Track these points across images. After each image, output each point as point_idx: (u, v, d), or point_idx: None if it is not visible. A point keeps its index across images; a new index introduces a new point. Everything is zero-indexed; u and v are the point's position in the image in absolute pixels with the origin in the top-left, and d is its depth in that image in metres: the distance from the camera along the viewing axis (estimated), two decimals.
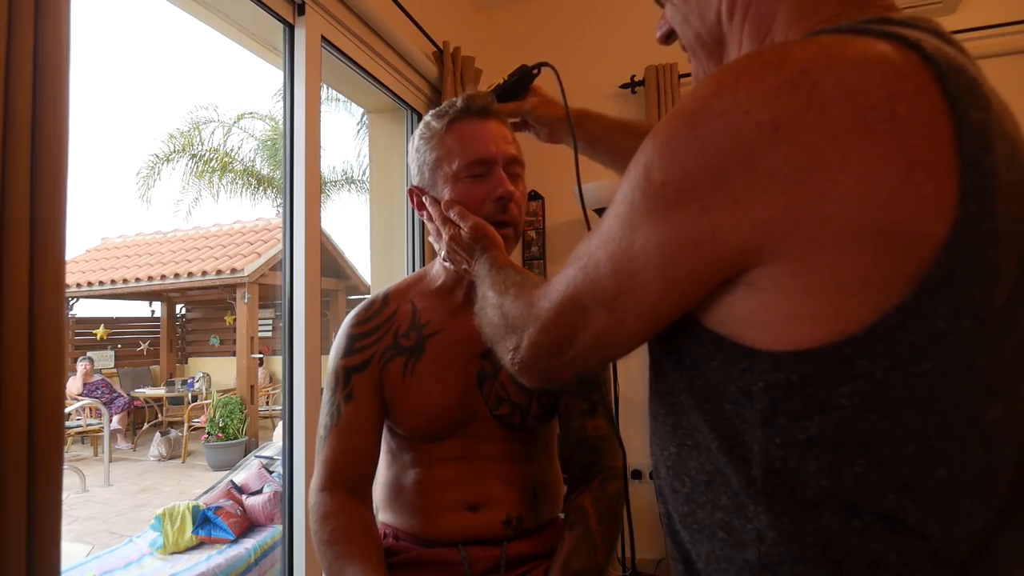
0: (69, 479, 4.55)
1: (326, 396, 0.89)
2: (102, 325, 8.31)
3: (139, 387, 7.58)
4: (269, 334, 8.67)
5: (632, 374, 2.22)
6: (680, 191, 0.40)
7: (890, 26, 0.40)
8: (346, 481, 0.85)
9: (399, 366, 0.88)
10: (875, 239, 0.36)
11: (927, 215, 0.35)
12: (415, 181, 0.90)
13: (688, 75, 2.25)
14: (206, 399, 6.76)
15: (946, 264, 0.35)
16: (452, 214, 0.82)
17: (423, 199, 0.88)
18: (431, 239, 0.88)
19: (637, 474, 2.21)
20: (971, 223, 0.35)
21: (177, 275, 7.31)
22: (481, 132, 0.85)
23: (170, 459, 6.23)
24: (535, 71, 0.91)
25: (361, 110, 6.94)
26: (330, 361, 0.91)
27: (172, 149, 8.22)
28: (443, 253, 0.85)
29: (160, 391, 7.35)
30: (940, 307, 0.36)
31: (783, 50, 0.40)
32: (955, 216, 0.35)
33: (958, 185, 0.35)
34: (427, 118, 0.88)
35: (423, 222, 2.08)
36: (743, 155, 0.37)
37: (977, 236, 0.36)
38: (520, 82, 0.91)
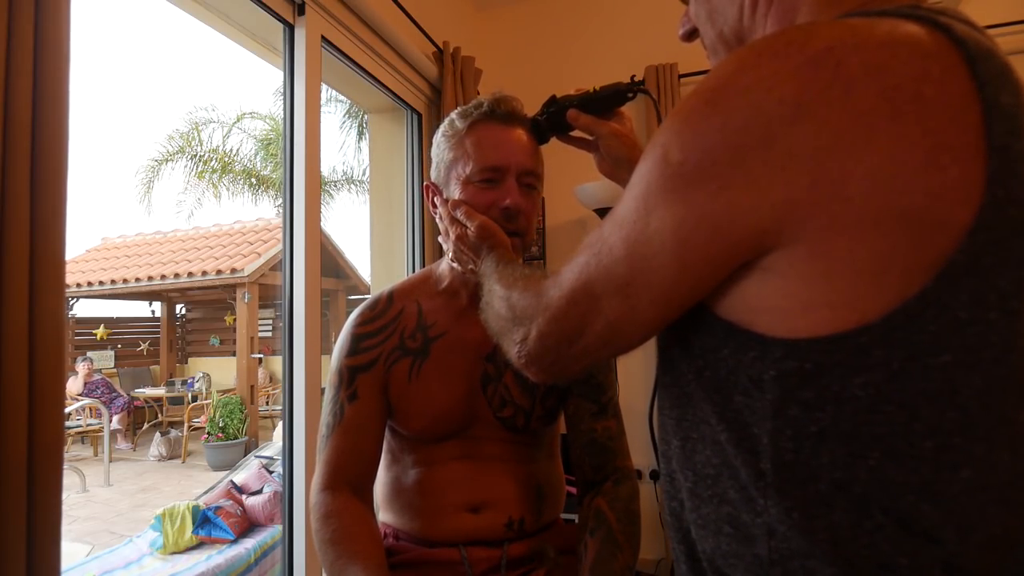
0: (69, 479, 4.56)
1: (328, 395, 0.89)
2: (102, 325, 8.31)
3: (139, 387, 7.57)
4: (269, 334, 8.67)
5: (632, 374, 2.22)
6: (699, 170, 0.39)
7: (919, 11, 0.39)
8: (348, 481, 0.85)
9: (405, 368, 0.87)
10: (897, 223, 0.34)
11: (951, 199, 0.34)
12: (432, 176, 0.90)
13: (688, 75, 2.25)
14: (206, 399, 6.75)
15: (969, 251, 0.34)
16: (459, 214, 0.81)
17: (435, 198, 0.88)
18: (440, 239, 0.88)
19: (637, 473, 2.20)
20: (998, 209, 0.34)
21: (177, 275, 7.31)
22: (501, 138, 0.83)
23: (170, 459, 6.22)
24: (630, 95, 0.82)
25: (346, 106, 6.96)
26: (333, 360, 0.90)
27: (171, 150, 8.22)
28: (450, 253, 0.84)
29: (160, 391, 7.34)
30: (962, 296, 0.34)
31: (808, 29, 0.39)
32: (981, 201, 0.34)
33: (985, 169, 0.34)
34: (452, 116, 0.88)
35: (422, 222, 2.09)
36: (764, 133, 0.36)
37: (1004, 223, 0.34)
38: (609, 100, 0.82)
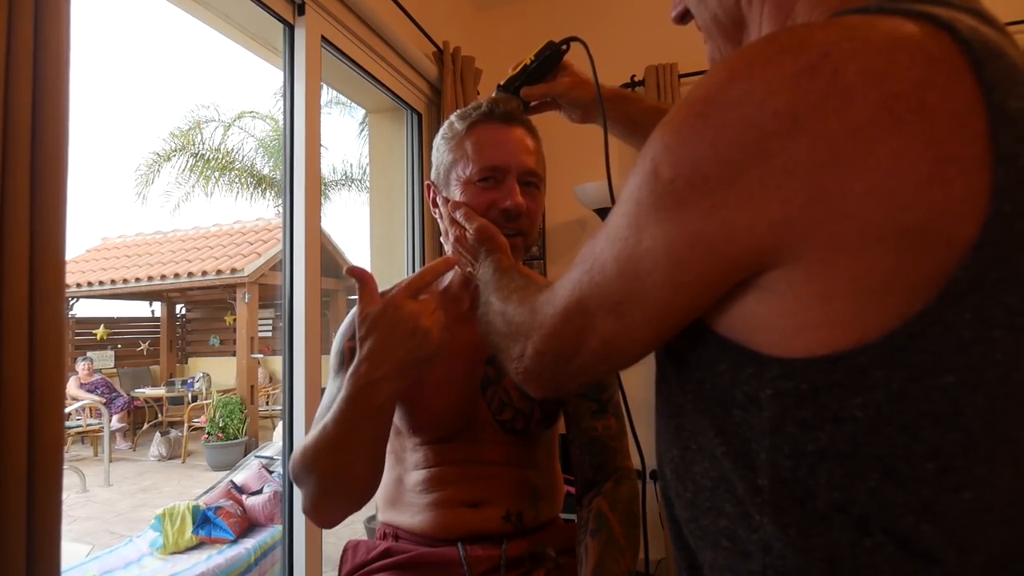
0: (69, 479, 4.54)
1: (330, 377, 0.87)
2: (102, 325, 8.32)
3: (139, 387, 7.57)
4: (269, 334, 8.68)
5: (635, 370, 2.22)
6: (690, 187, 0.37)
7: (922, 5, 0.37)
8: None
9: None
10: (899, 240, 0.33)
11: (956, 214, 0.33)
12: (432, 177, 0.90)
13: (688, 75, 2.25)
14: (206, 399, 6.76)
15: (974, 267, 0.33)
16: (458, 215, 0.81)
17: (437, 198, 0.88)
18: (442, 239, 0.87)
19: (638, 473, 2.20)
20: (1003, 223, 0.33)
21: (177, 275, 7.31)
22: (501, 138, 0.83)
23: (170, 459, 6.22)
24: (564, 47, 0.86)
25: (363, 112, 6.97)
26: (336, 342, 0.88)
27: (172, 148, 8.22)
28: (451, 254, 0.84)
29: (160, 391, 7.34)
30: (966, 314, 0.33)
31: (802, 33, 0.37)
32: (986, 215, 0.33)
33: (991, 181, 0.33)
34: (451, 118, 0.88)
35: (423, 222, 2.09)
36: (758, 148, 0.35)
37: (1010, 238, 0.33)
38: (549, 61, 0.85)
